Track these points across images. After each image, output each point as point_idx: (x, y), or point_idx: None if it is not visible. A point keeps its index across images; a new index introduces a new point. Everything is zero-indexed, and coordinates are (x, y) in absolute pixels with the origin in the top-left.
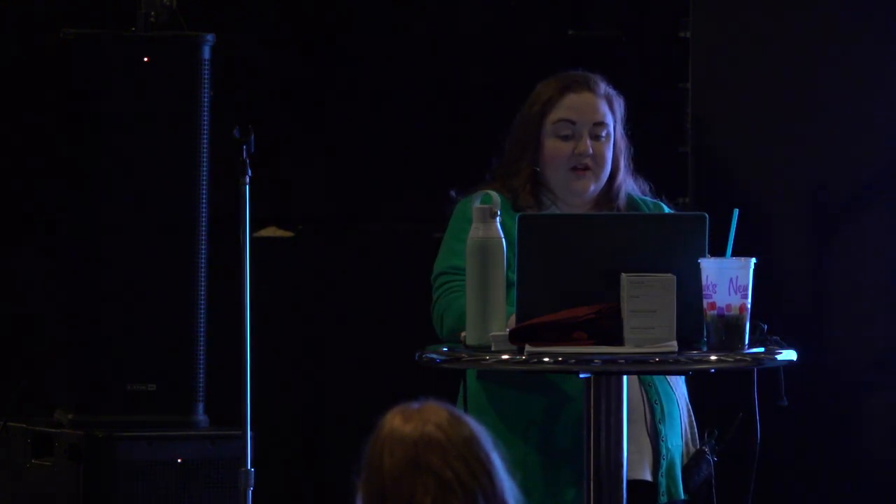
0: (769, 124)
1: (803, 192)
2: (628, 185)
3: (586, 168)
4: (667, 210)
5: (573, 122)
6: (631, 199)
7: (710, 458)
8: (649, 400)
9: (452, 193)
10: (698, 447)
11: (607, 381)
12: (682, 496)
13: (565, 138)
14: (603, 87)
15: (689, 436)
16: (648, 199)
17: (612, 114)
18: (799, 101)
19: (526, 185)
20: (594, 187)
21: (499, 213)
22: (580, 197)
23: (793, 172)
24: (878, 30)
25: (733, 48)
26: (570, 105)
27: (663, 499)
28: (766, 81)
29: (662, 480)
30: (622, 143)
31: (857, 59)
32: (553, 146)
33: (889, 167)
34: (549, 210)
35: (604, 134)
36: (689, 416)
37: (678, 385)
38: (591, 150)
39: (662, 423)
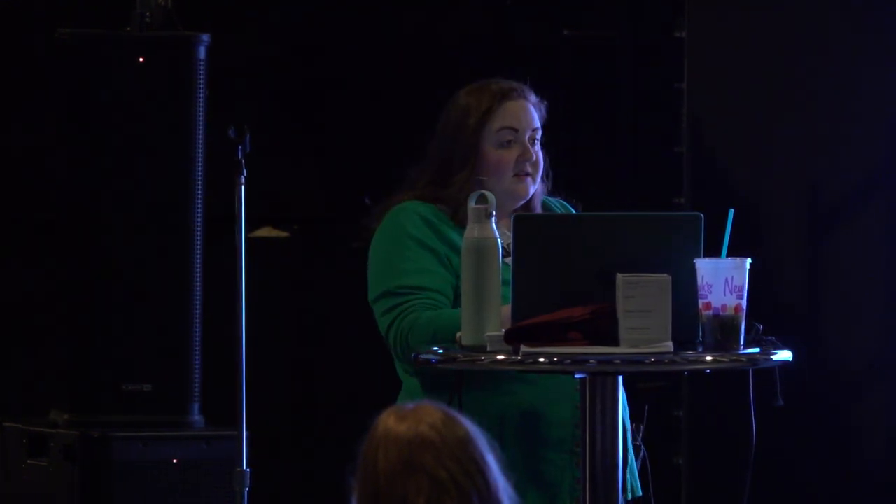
0: (765, 124)
1: (799, 192)
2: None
3: (527, 174)
4: (571, 210)
5: (515, 130)
6: (543, 201)
7: (642, 447)
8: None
9: (366, 200)
10: (635, 443)
11: (602, 382)
12: (640, 492)
13: (508, 144)
14: (532, 94)
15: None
16: (554, 199)
17: (539, 120)
18: (794, 101)
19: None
20: (533, 190)
21: (493, 213)
22: (522, 201)
23: (788, 172)
24: (875, 29)
25: (729, 48)
26: (510, 112)
27: (629, 496)
28: (761, 81)
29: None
30: (542, 150)
31: (852, 60)
32: (497, 154)
33: (884, 167)
34: None
35: (539, 139)
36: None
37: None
38: (535, 156)
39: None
